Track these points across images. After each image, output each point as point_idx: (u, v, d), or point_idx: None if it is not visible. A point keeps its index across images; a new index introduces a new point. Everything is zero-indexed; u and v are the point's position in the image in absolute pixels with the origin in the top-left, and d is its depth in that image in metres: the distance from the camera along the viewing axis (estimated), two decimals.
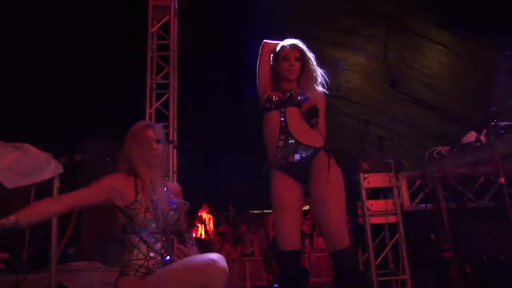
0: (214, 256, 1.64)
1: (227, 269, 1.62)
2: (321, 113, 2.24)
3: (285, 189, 2.18)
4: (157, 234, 1.80)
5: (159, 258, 1.77)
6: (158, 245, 1.79)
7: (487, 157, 2.54)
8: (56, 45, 7.99)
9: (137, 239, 1.78)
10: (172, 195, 1.92)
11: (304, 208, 6.42)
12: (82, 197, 1.78)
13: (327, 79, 2.37)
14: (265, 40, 2.42)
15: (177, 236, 1.92)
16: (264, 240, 7.51)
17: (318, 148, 2.17)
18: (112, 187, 1.81)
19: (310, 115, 2.16)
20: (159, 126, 1.97)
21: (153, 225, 1.79)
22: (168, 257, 1.80)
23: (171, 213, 1.85)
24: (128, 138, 1.91)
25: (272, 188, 2.21)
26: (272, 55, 2.40)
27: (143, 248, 1.77)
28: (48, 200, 1.88)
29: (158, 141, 1.88)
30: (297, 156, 2.15)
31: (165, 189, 1.91)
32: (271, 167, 2.22)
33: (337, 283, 2.08)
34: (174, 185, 2.06)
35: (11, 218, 1.57)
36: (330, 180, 2.12)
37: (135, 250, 1.77)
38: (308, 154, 2.15)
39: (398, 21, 8.56)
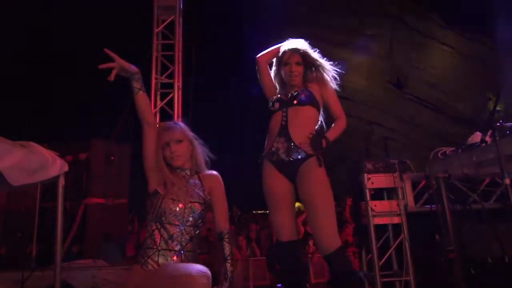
0: (196, 270, 1.65)
1: (207, 285, 1.64)
2: (335, 101, 2.37)
3: (275, 182, 2.27)
4: (173, 226, 1.82)
5: (169, 251, 1.79)
6: (172, 237, 1.81)
7: (493, 158, 2.53)
8: (61, 44, 8.04)
9: (154, 227, 1.83)
10: (202, 189, 1.94)
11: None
12: (153, 133, 1.91)
13: (337, 70, 2.43)
14: (257, 56, 2.48)
15: (217, 236, 1.96)
16: (268, 240, 7.49)
17: (310, 154, 2.22)
18: (158, 164, 1.90)
19: (318, 143, 2.22)
20: (178, 125, 2.00)
21: (168, 215, 1.82)
22: (181, 252, 1.81)
23: (189, 205, 1.86)
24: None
25: (264, 179, 2.31)
26: (274, 60, 2.46)
27: (157, 237, 1.81)
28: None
29: (178, 141, 1.92)
30: (288, 156, 2.22)
31: (196, 182, 1.94)
32: (265, 159, 2.31)
33: (332, 285, 2.11)
34: (211, 176, 2.02)
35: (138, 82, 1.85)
36: (317, 186, 2.17)
37: (149, 239, 1.82)
38: (299, 157, 2.22)
39: (403, 21, 8.53)
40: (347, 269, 2.13)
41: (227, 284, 1.85)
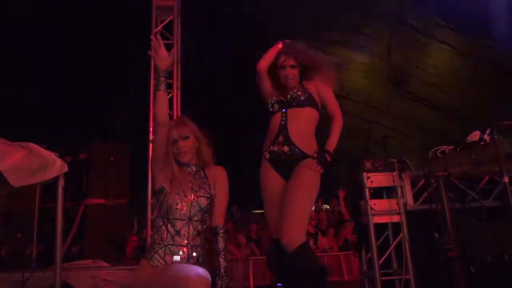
0: (196, 274, 1.65)
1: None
2: (331, 99, 2.39)
3: (271, 180, 2.31)
4: (179, 221, 1.83)
5: (176, 246, 1.80)
6: (179, 233, 1.82)
7: (491, 156, 2.53)
8: (61, 45, 8.04)
9: (161, 222, 1.85)
10: (208, 183, 1.96)
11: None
12: (165, 132, 1.93)
13: (339, 61, 2.46)
14: (257, 66, 2.48)
15: (212, 231, 1.95)
16: (268, 239, 7.48)
17: (307, 155, 2.26)
18: (167, 161, 1.92)
19: (324, 160, 2.24)
20: (185, 121, 2.02)
21: (174, 211, 1.84)
22: (188, 247, 1.81)
23: (195, 200, 1.88)
24: None
25: (260, 178, 2.35)
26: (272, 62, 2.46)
27: (164, 233, 1.82)
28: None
29: (185, 138, 1.95)
30: (285, 156, 2.26)
31: (201, 177, 1.96)
32: (263, 158, 2.35)
33: (297, 285, 2.09)
34: (216, 170, 2.04)
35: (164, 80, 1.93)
36: (303, 183, 2.18)
37: (156, 235, 1.84)
38: (296, 157, 2.25)
39: (403, 20, 8.52)
40: (307, 267, 2.04)
41: (220, 281, 1.83)
